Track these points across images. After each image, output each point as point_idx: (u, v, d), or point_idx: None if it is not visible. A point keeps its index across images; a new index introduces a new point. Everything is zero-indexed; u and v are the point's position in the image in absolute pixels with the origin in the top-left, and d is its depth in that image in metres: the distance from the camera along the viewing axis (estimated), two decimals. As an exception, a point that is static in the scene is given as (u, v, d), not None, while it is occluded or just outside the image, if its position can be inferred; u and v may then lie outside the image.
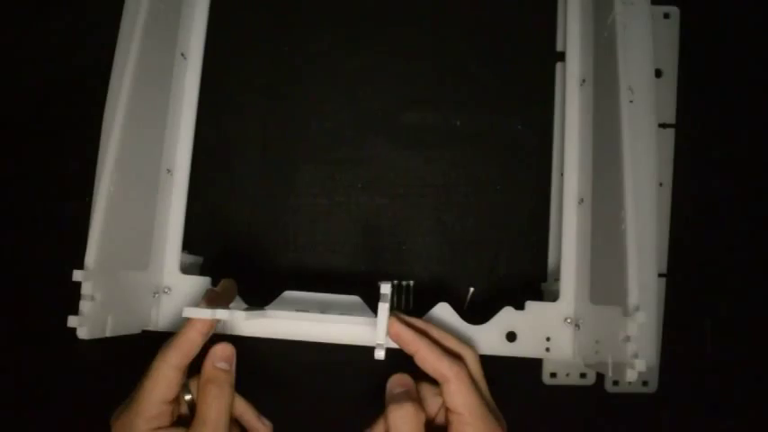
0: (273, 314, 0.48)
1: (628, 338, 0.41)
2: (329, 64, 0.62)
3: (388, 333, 0.44)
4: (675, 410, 0.58)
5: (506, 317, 0.52)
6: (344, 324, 0.49)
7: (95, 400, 0.59)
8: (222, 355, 0.43)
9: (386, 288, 0.44)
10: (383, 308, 0.43)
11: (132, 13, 0.52)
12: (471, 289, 0.57)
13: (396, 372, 0.57)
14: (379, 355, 0.43)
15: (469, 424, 0.41)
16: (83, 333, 0.42)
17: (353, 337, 0.51)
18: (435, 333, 0.46)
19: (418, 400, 0.43)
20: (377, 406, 0.58)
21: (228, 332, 0.52)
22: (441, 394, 0.43)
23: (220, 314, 0.42)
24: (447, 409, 0.42)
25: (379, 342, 0.43)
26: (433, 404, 0.44)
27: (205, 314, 0.41)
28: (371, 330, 0.44)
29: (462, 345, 0.45)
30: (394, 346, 0.49)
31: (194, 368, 0.44)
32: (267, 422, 0.47)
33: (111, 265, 0.45)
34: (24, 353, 0.59)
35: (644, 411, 0.58)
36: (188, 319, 0.43)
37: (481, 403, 0.42)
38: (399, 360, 0.55)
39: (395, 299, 0.58)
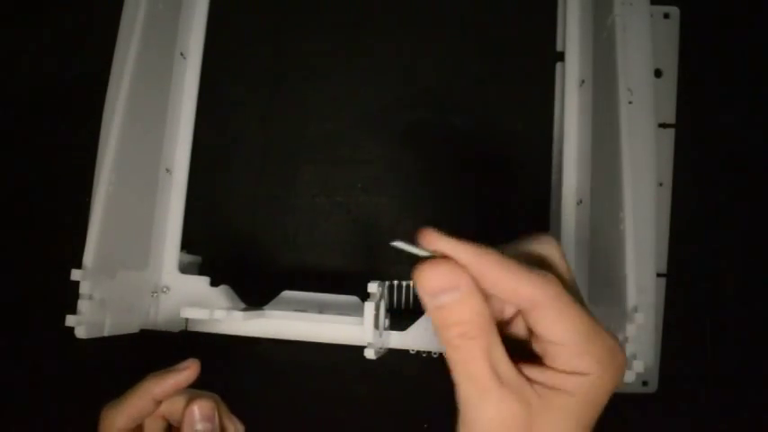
0: (271, 314, 0.49)
1: (626, 339, 0.41)
2: (329, 64, 0.62)
3: (427, 246, 0.28)
4: (675, 410, 0.58)
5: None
6: (340, 324, 0.49)
7: (94, 400, 0.59)
8: (203, 415, 0.39)
9: (373, 287, 0.45)
10: (369, 307, 0.44)
11: (131, 13, 0.52)
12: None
13: (391, 379, 0.58)
14: (369, 354, 0.43)
15: (581, 354, 0.28)
16: (81, 332, 0.42)
17: (349, 337, 0.52)
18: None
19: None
20: (376, 406, 0.58)
21: (227, 332, 0.52)
22: (523, 318, 0.30)
23: (218, 314, 0.42)
24: (534, 335, 0.29)
25: (368, 341, 0.43)
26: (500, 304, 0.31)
27: (203, 314, 0.41)
28: (367, 330, 0.44)
29: (536, 238, 0.31)
30: (391, 346, 0.49)
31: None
32: (239, 424, 0.42)
33: (110, 264, 0.45)
34: (24, 353, 0.59)
35: (644, 411, 0.58)
36: (143, 382, 0.39)
37: (590, 320, 0.28)
38: (397, 360, 0.55)
39: (394, 298, 0.58)
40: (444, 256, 0.27)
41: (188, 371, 0.39)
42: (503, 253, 0.28)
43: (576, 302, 0.28)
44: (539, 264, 0.29)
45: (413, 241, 0.28)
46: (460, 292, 0.27)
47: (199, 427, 0.38)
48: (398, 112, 0.61)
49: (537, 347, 0.29)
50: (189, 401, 0.39)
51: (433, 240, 0.28)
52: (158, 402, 0.39)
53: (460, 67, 0.62)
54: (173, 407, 0.40)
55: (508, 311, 0.31)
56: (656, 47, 0.54)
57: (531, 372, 0.29)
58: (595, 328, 0.28)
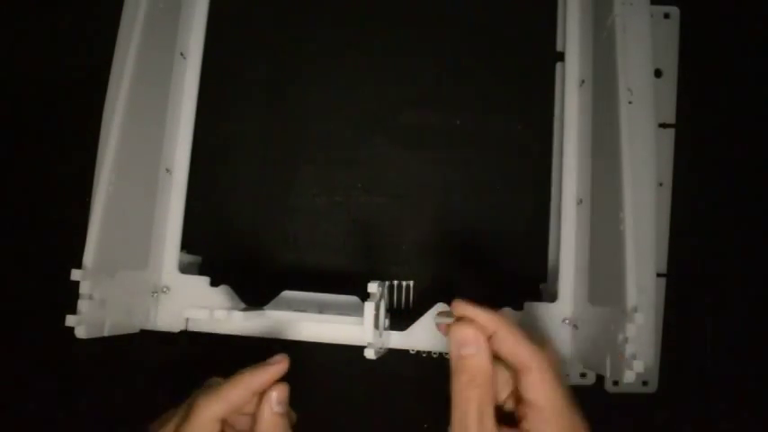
0: (271, 314, 0.48)
1: (626, 339, 0.41)
2: (329, 64, 0.62)
3: (457, 313, 0.39)
4: (675, 410, 0.58)
5: (505, 317, 0.52)
6: (340, 324, 0.49)
7: (94, 400, 0.59)
8: (281, 398, 0.41)
9: (373, 287, 0.45)
10: (369, 307, 0.44)
11: (131, 13, 0.52)
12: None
13: (391, 379, 0.57)
14: (369, 354, 0.43)
15: (550, 421, 0.36)
16: (81, 332, 0.42)
17: (349, 337, 0.52)
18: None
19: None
20: (376, 406, 0.58)
21: (227, 332, 0.52)
22: (513, 383, 0.39)
23: (218, 314, 0.42)
24: (521, 402, 0.38)
25: (368, 341, 0.43)
26: (500, 389, 0.39)
27: (203, 314, 0.41)
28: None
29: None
30: (391, 346, 0.49)
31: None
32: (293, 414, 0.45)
33: (110, 264, 0.45)
34: (24, 353, 0.59)
35: (644, 411, 0.58)
36: (239, 375, 0.41)
37: (565, 398, 0.37)
38: (397, 360, 0.55)
39: (394, 298, 0.58)
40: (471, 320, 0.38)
41: (281, 364, 0.42)
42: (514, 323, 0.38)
43: (559, 378, 0.37)
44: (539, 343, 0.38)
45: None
46: (479, 347, 0.37)
47: (277, 408, 0.41)
48: (398, 112, 0.61)
49: (519, 411, 0.38)
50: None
51: (464, 309, 0.39)
52: (254, 395, 0.41)
53: (460, 67, 0.62)
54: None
55: (502, 395, 0.39)
56: (656, 47, 0.53)
57: None
58: (569, 405, 0.37)
